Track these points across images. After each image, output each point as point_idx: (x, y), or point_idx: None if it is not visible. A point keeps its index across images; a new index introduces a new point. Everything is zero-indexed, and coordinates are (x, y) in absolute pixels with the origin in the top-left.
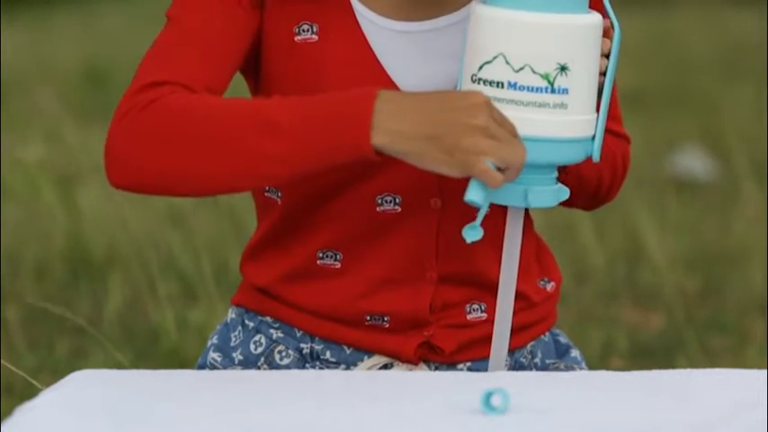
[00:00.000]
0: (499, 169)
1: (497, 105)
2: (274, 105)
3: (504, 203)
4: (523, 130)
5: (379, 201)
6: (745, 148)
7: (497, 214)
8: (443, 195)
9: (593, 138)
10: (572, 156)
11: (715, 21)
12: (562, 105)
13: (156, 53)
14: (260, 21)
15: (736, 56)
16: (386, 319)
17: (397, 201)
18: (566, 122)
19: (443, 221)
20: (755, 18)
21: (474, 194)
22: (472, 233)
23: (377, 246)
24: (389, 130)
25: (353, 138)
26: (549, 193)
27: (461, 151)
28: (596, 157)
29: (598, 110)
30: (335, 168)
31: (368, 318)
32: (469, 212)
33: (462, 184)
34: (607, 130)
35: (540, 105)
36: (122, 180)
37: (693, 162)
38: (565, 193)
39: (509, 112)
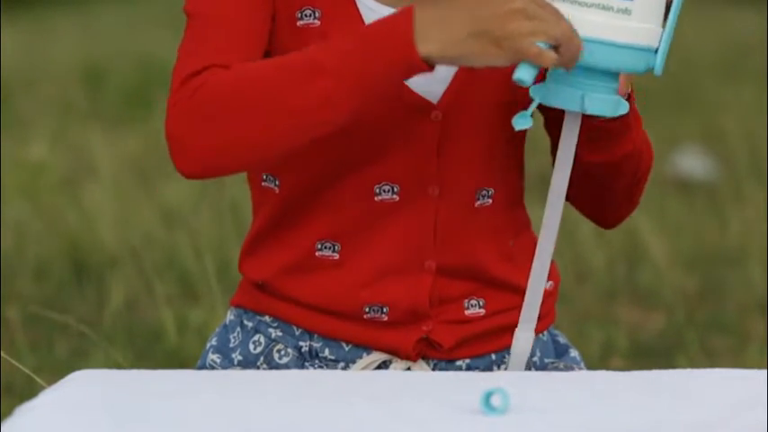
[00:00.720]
0: (554, 48)
1: (559, 4)
2: (313, 50)
3: (559, 106)
4: (584, 31)
5: (377, 190)
6: (746, 148)
7: (500, 207)
8: (441, 183)
9: (656, 51)
10: (632, 64)
11: (715, 21)
12: (626, 11)
13: (188, 47)
14: (273, 3)
15: (736, 56)
16: (385, 310)
17: (395, 190)
18: (628, 28)
19: (441, 209)
20: (755, 18)
21: (522, 73)
22: (522, 121)
23: (375, 236)
24: (434, 38)
25: (400, 53)
26: (608, 103)
27: (508, 38)
28: (658, 70)
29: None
30: (388, 97)
31: (367, 309)
32: (467, 200)
33: (460, 171)
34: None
35: (604, 8)
36: (191, 168)
37: (693, 162)
38: (624, 107)
39: (571, 11)
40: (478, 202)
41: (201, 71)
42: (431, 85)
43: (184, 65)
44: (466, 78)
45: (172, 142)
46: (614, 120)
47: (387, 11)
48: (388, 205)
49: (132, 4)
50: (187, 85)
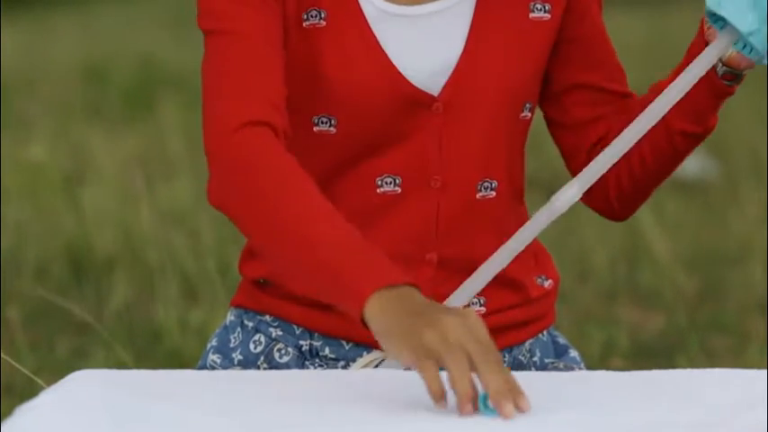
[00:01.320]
0: None
1: None
2: (324, 232)
3: (727, 18)
4: None
5: (379, 182)
6: (746, 147)
7: (503, 200)
8: (444, 174)
9: None
10: None
11: None
12: None
13: (218, 76)
14: (283, 6)
15: None
16: None
17: (398, 182)
18: None
19: (443, 200)
20: None
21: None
22: None
23: (377, 228)
24: (376, 315)
25: (349, 304)
26: (741, 10)
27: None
28: None
29: None
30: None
31: None
32: (469, 191)
33: (462, 162)
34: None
35: None
36: (214, 203)
37: (693, 162)
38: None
39: None
40: (480, 194)
41: (248, 123)
42: (431, 77)
43: (221, 101)
44: (467, 70)
45: (211, 177)
46: (732, 86)
47: (388, 6)
48: (390, 197)
49: (132, 4)
50: (233, 143)
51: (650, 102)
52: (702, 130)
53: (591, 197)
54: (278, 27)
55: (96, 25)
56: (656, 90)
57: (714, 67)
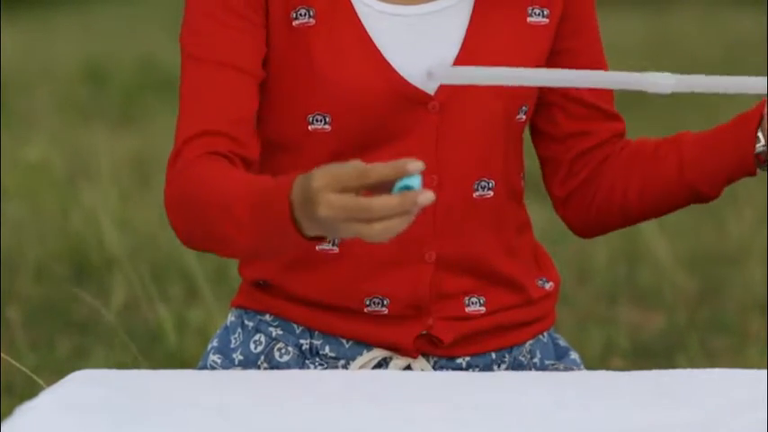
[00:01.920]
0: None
1: None
2: (241, 200)
3: None
4: None
5: None
6: None
7: (501, 200)
8: (440, 173)
9: None
10: None
11: (715, 21)
12: None
13: (186, 104)
14: (266, 13)
15: (736, 55)
16: (385, 302)
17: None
18: None
19: (440, 199)
20: (755, 18)
21: None
22: None
23: None
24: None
25: (292, 238)
26: None
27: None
28: None
29: None
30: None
31: (367, 302)
32: (465, 190)
33: (459, 161)
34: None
35: None
36: (179, 237)
37: None
38: None
39: None
40: (477, 193)
41: (200, 143)
42: None
43: (184, 128)
44: None
45: (166, 211)
46: (760, 168)
47: (382, 6)
48: None
49: (132, 4)
50: (177, 167)
51: (666, 147)
52: (708, 194)
53: (568, 209)
54: (257, 48)
55: (96, 25)
56: (681, 137)
57: (755, 143)
